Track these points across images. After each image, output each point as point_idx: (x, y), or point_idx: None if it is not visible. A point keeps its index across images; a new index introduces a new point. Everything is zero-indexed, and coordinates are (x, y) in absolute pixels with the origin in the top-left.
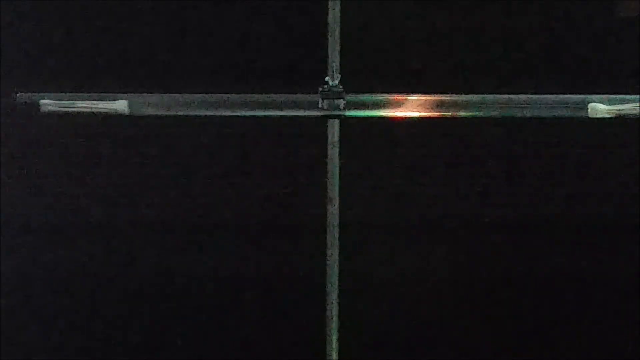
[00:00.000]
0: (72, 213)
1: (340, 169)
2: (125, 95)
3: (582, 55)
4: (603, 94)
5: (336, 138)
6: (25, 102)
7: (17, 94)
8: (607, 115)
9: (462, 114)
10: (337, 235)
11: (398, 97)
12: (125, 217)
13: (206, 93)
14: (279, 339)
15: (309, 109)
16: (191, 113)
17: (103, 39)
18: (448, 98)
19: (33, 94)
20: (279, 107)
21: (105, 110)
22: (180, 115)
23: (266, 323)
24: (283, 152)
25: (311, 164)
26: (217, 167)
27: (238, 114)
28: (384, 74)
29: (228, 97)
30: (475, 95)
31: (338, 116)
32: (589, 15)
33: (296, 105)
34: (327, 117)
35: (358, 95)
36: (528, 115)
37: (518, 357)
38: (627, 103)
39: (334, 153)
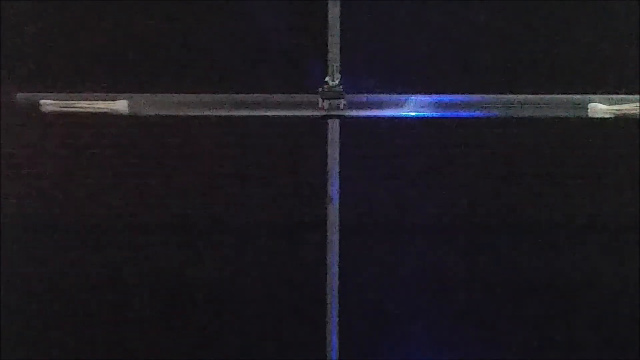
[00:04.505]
0: (72, 213)
1: (340, 169)
2: (125, 95)
3: (582, 55)
4: (603, 94)
5: (336, 138)
6: (25, 102)
7: (17, 94)
8: (607, 115)
9: (462, 114)
10: (337, 235)
11: (398, 97)
12: (125, 216)
13: (206, 93)
14: (279, 338)
15: (309, 109)
16: (191, 113)
17: (103, 39)
18: (448, 98)
19: (33, 94)
20: (279, 107)
21: (105, 110)
22: (180, 115)
23: (266, 322)
24: (283, 152)
25: (311, 164)
26: (217, 167)
27: (238, 114)
28: (384, 74)
29: (228, 97)
30: (475, 95)
31: (338, 116)
32: (589, 15)
33: (296, 105)
34: (327, 117)
35: (358, 95)
36: (528, 115)
37: (518, 357)
38: (627, 103)
39: (334, 153)
